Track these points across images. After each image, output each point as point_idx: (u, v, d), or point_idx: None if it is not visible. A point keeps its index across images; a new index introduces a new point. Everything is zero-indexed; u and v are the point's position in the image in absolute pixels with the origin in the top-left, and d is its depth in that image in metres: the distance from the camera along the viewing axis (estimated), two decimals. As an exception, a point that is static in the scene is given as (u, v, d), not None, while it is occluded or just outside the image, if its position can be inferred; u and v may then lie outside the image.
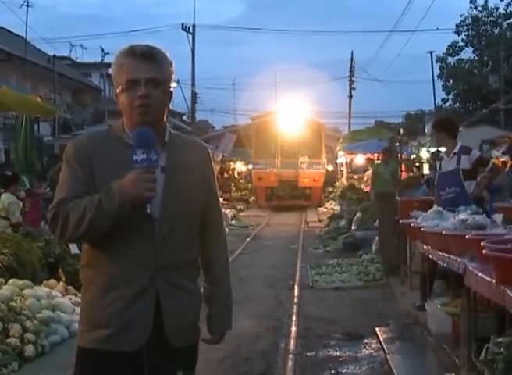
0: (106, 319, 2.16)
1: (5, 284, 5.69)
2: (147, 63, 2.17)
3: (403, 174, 12.69)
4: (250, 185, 27.96)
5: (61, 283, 6.49)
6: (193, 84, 34.42)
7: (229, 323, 2.44)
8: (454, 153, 6.38)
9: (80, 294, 6.23)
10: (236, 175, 32.79)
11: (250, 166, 28.14)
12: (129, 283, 2.15)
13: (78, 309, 5.91)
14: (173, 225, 2.21)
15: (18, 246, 6.64)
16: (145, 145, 2.09)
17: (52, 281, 6.46)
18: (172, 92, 2.29)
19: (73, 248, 8.18)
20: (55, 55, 22.80)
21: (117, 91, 2.22)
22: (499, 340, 3.35)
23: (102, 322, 2.16)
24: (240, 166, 32.36)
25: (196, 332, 2.32)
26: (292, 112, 24.45)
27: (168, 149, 2.25)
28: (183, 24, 33.38)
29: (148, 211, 2.10)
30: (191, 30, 34.18)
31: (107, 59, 32.41)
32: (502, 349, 3.26)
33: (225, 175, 30.61)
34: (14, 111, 10.40)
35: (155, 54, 2.20)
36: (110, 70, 2.28)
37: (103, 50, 32.22)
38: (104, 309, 2.16)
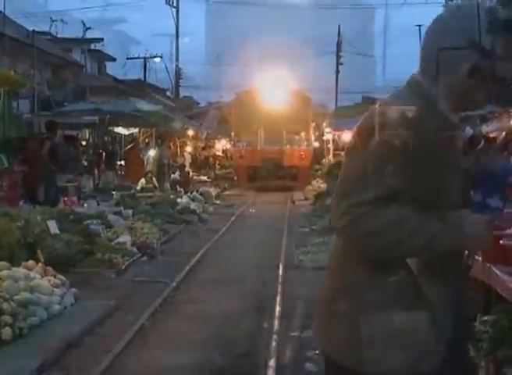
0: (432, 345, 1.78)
1: (-18, 266, 5.55)
2: None
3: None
4: (233, 163, 26.84)
5: (40, 264, 6.34)
6: (177, 59, 34.05)
7: None
8: None
9: (59, 276, 6.10)
10: (220, 153, 32.54)
11: (234, 143, 27.28)
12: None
13: (57, 290, 5.79)
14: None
15: (-5, 226, 6.49)
16: (502, 190, 1.69)
17: (31, 262, 6.31)
18: None
19: (53, 229, 8.03)
20: (34, 30, 22.26)
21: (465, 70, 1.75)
22: (485, 318, 3.35)
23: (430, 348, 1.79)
24: (224, 144, 32.06)
25: None
26: (276, 84, 22.56)
27: None
28: (166, -2, 32.98)
29: (469, 263, 1.85)
30: (175, 4, 33.77)
31: (88, 34, 31.98)
32: (487, 328, 3.27)
33: (206, 153, 30.33)
34: None
35: None
36: None
37: (84, 24, 31.69)
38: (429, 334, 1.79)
